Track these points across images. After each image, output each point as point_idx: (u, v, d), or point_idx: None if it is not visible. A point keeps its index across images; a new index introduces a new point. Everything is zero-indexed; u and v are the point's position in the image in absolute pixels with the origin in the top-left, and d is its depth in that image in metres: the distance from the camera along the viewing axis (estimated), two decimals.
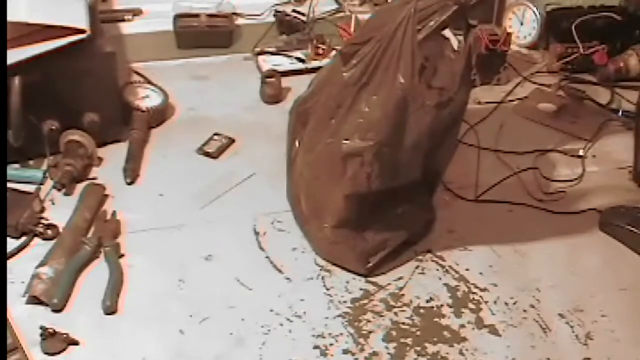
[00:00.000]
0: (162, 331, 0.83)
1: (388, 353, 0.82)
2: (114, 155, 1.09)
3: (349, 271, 0.93)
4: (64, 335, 0.80)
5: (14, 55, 0.96)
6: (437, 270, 0.94)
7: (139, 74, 1.28)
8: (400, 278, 0.93)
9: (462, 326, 0.86)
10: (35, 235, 0.94)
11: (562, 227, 1.02)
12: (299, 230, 0.98)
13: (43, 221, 0.95)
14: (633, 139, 1.13)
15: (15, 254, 0.91)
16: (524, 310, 0.89)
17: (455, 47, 1.08)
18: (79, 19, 1.03)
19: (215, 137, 1.16)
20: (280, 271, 0.92)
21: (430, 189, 1.01)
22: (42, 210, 0.98)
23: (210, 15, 1.38)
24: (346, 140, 0.88)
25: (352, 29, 1.40)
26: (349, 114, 0.88)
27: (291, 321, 0.85)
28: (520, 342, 0.85)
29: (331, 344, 0.83)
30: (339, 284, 0.91)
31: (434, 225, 1.00)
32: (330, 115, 0.91)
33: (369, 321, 0.86)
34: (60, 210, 0.98)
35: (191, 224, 0.99)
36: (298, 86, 1.16)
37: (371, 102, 0.87)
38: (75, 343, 0.80)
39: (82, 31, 1.02)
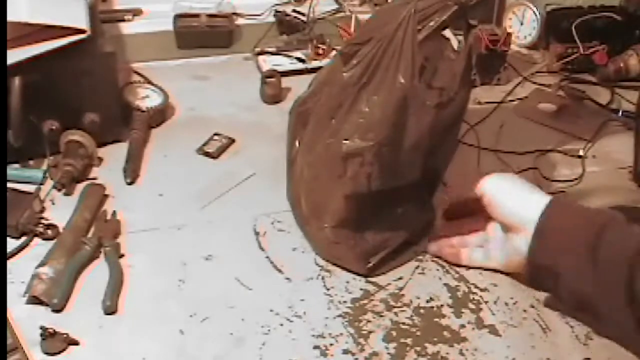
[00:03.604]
0: (162, 331, 0.83)
1: (388, 353, 0.82)
2: (114, 155, 1.09)
3: (349, 271, 0.93)
4: (64, 335, 0.80)
5: (14, 55, 0.96)
6: (437, 270, 0.94)
7: (139, 74, 1.28)
8: (400, 278, 0.93)
9: (462, 326, 0.86)
10: (35, 235, 0.94)
11: None
12: (299, 230, 0.98)
13: (43, 221, 0.95)
14: (633, 139, 1.13)
15: (15, 254, 0.91)
16: (524, 311, 0.89)
17: (455, 47, 1.08)
18: (79, 19, 1.03)
19: (215, 137, 1.16)
20: (280, 271, 0.92)
21: (430, 189, 1.01)
22: (42, 210, 0.98)
23: (210, 15, 1.38)
24: (346, 140, 0.88)
25: (352, 29, 1.40)
26: (349, 114, 0.88)
27: (291, 321, 0.85)
28: (520, 342, 0.85)
29: (331, 344, 0.83)
30: (339, 284, 0.91)
31: (434, 225, 1.00)
32: (331, 115, 0.90)
33: (369, 321, 0.86)
34: (60, 210, 0.98)
35: (191, 224, 0.99)
36: (298, 86, 1.16)
37: (371, 102, 0.87)
38: (75, 343, 0.80)
39: (82, 31, 1.02)
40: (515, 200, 0.86)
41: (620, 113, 1.27)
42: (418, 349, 0.83)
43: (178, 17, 1.37)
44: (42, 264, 0.87)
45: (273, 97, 1.26)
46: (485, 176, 0.89)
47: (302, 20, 1.40)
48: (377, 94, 0.87)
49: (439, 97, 0.90)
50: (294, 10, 1.42)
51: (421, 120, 0.88)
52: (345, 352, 0.82)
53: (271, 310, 0.87)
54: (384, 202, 0.93)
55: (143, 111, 1.16)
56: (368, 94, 0.88)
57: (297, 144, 1.01)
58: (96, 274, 0.89)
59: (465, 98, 0.97)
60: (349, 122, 0.88)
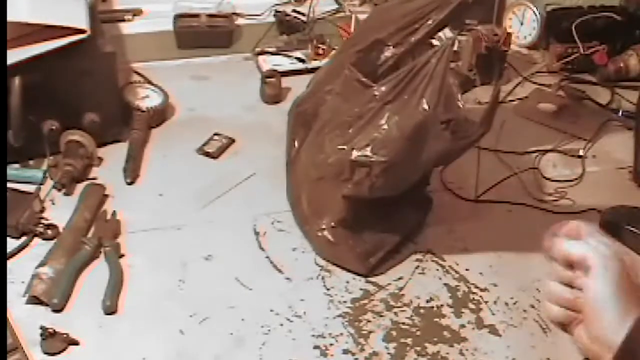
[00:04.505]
0: (162, 331, 0.83)
1: (388, 353, 0.82)
2: (114, 155, 1.09)
3: (349, 271, 0.93)
4: (64, 335, 0.80)
5: (14, 55, 0.96)
6: (437, 270, 0.94)
7: (139, 74, 1.28)
8: (400, 278, 0.93)
9: (462, 326, 0.86)
10: (35, 235, 0.94)
11: None
12: (299, 230, 0.98)
13: (43, 221, 0.95)
14: (633, 139, 1.13)
15: (15, 254, 0.91)
16: (524, 310, 0.89)
17: (455, 47, 1.07)
18: (79, 19, 1.03)
19: (215, 137, 1.16)
20: (280, 271, 0.92)
21: (421, 187, 1.01)
22: (42, 210, 0.98)
23: (210, 15, 1.39)
24: (358, 150, 0.88)
25: (352, 29, 1.40)
26: (367, 126, 0.88)
27: (291, 321, 0.85)
28: (520, 342, 0.85)
29: (331, 344, 0.83)
30: (339, 284, 0.91)
31: (434, 225, 1.00)
32: (347, 121, 0.90)
33: (369, 321, 0.86)
34: (60, 210, 0.98)
35: (191, 224, 0.99)
36: (298, 86, 1.16)
37: (392, 120, 0.87)
38: (75, 343, 0.80)
39: (82, 31, 1.02)
40: (609, 321, 0.67)
41: (620, 113, 1.27)
42: (418, 349, 0.83)
43: (178, 17, 1.37)
44: (42, 264, 0.87)
45: (273, 97, 1.26)
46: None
47: (302, 20, 1.40)
48: (399, 113, 0.87)
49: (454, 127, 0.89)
50: (294, 10, 1.42)
51: (435, 146, 0.88)
52: (345, 352, 0.82)
53: (271, 310, 0.87)
54: (380, 204, 0.93)
55: (143, 111, 1.16)
56: (390, 111, 0.88)
57: (296, 144, 1.01)
58: (96, 274, 0.89)
59: (480, 136, 0.95)
60: (365, 133, 0.88)
